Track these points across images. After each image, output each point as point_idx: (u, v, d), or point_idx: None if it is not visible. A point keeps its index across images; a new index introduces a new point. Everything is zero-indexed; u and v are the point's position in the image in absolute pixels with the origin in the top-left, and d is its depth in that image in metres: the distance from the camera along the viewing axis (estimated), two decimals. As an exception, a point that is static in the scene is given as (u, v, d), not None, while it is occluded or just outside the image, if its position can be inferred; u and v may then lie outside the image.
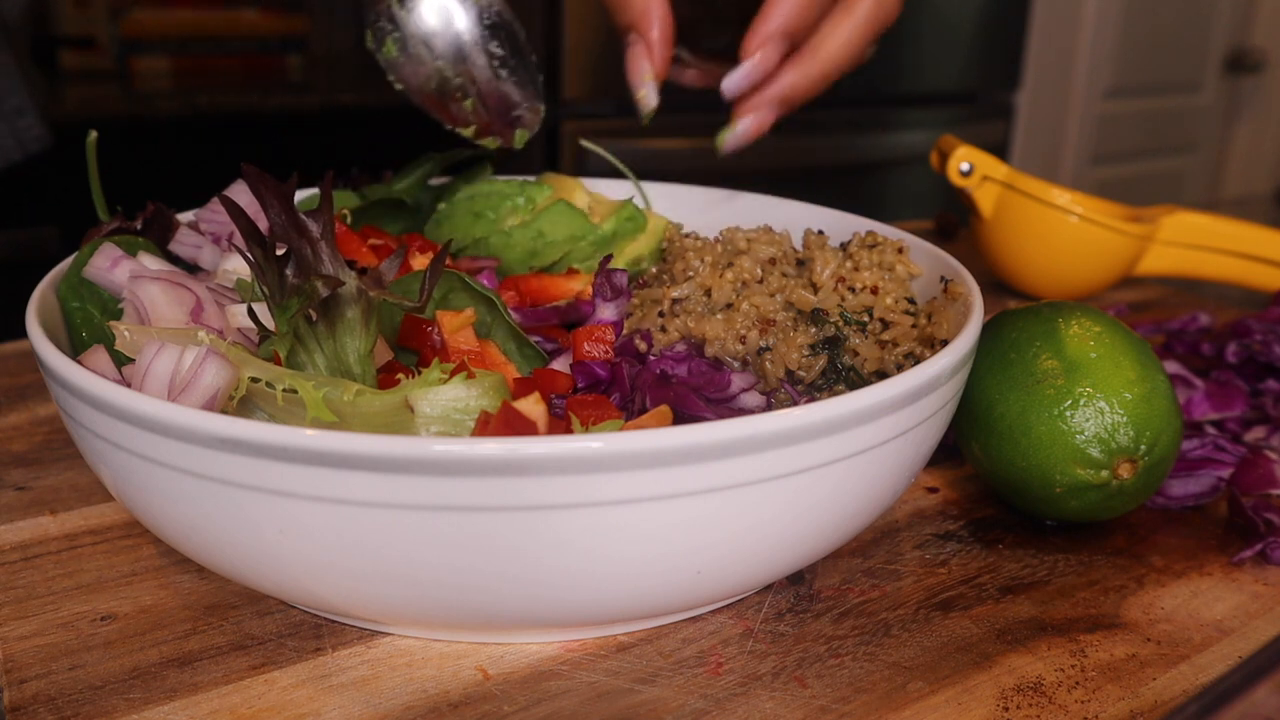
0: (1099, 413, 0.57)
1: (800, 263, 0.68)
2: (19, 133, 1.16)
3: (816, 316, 0.63)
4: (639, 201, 0.81)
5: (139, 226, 0.65)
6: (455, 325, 0.58)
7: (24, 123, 1.15)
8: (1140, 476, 0.58)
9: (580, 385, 0.59)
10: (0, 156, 1.15)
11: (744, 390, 0.59)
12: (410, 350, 0.59)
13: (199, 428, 0.41)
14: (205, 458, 0.42)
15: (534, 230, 0.75)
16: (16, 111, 1.14)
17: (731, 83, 0.68)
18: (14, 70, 1.13)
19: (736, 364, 0.62)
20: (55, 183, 1.34)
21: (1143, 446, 0.57)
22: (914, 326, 0.63)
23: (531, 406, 0.47)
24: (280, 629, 0.52)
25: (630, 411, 0.57)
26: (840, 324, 0.62)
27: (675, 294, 0.65)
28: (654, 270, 0.73)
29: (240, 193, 0.65)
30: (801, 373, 0.61)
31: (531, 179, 0.79)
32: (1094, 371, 0.58)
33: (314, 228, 0.51)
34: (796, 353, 0.61)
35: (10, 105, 1.13)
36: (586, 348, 0.60)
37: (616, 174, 0.84)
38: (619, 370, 0.58)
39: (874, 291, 0.64)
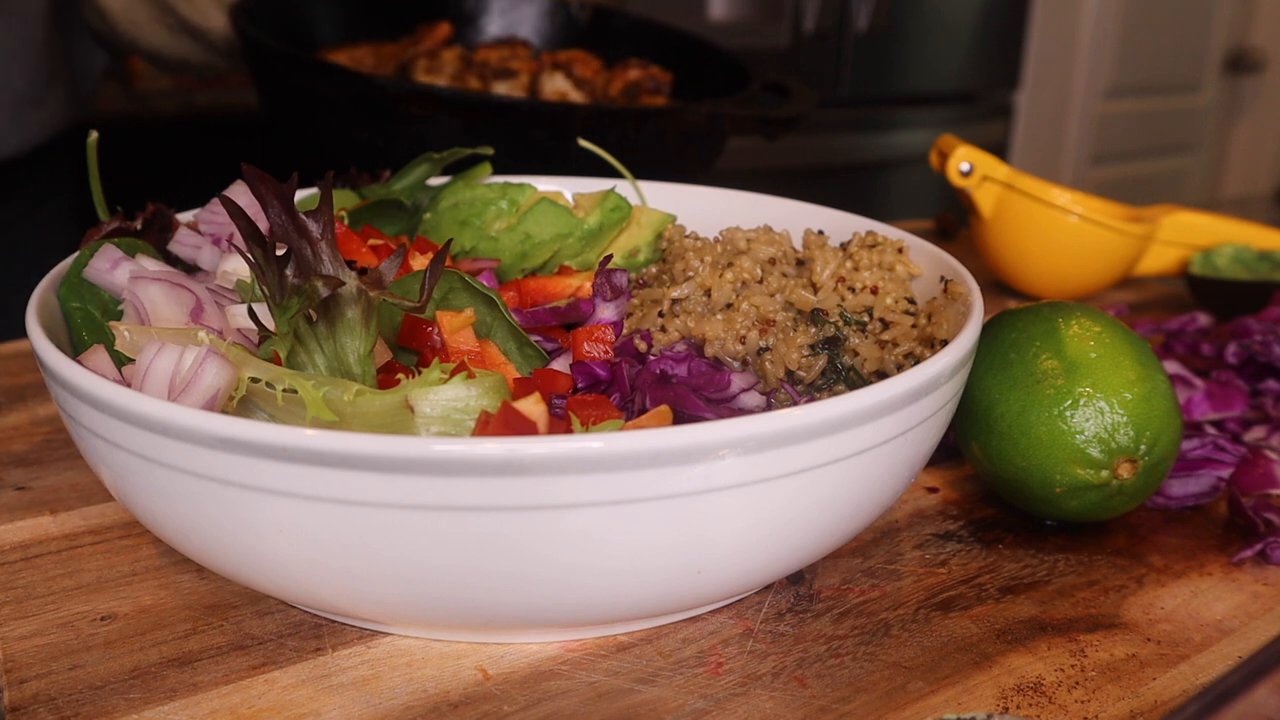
0: (1099, 413, 0.57)
1: (800, 263, 0.68)
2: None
3: (816, 316, 0.63)
4: (633, 199, 0.81)
5: (139, 227, 0.65)
6: (455, 325, 0.58)
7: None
8: (1140, 476, 0.58)
9: (580, 385, 0.59)
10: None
11: (744, 390, 0.59)
12: (410, 351, 0.59)
13: (199, 428, 0.42)
14: (205, 458, 0.42)
15: (520, 233, 0.75)
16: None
17: None
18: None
19: (736, 364, 0.62)
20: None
21: (1143, 446, 0.57)
22: (914, 326, 0.63)
23: (532, 407, 0.47)
24: (280, 629, 0.52)
25: (630, 411, 0.57)
26: (840, 324, 0.62)
27: (675, 294, 0.65)
28: (654, 270, 0.73)
29: (240, 193, 0.65)
30: (801, 373, 0.61)
31: (514, 180, 0.79)
32: (1094, 371, 0.58)
33: (314, 228, 0.51)
34: (796, 353, 0.61)
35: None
36: (586, 348, 0.60)
37: (615, 174, 0.84)
38: (619, 370, 0.58)
39: (874, 291, 0.64)
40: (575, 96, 1.14)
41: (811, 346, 0.62)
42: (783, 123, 1.04)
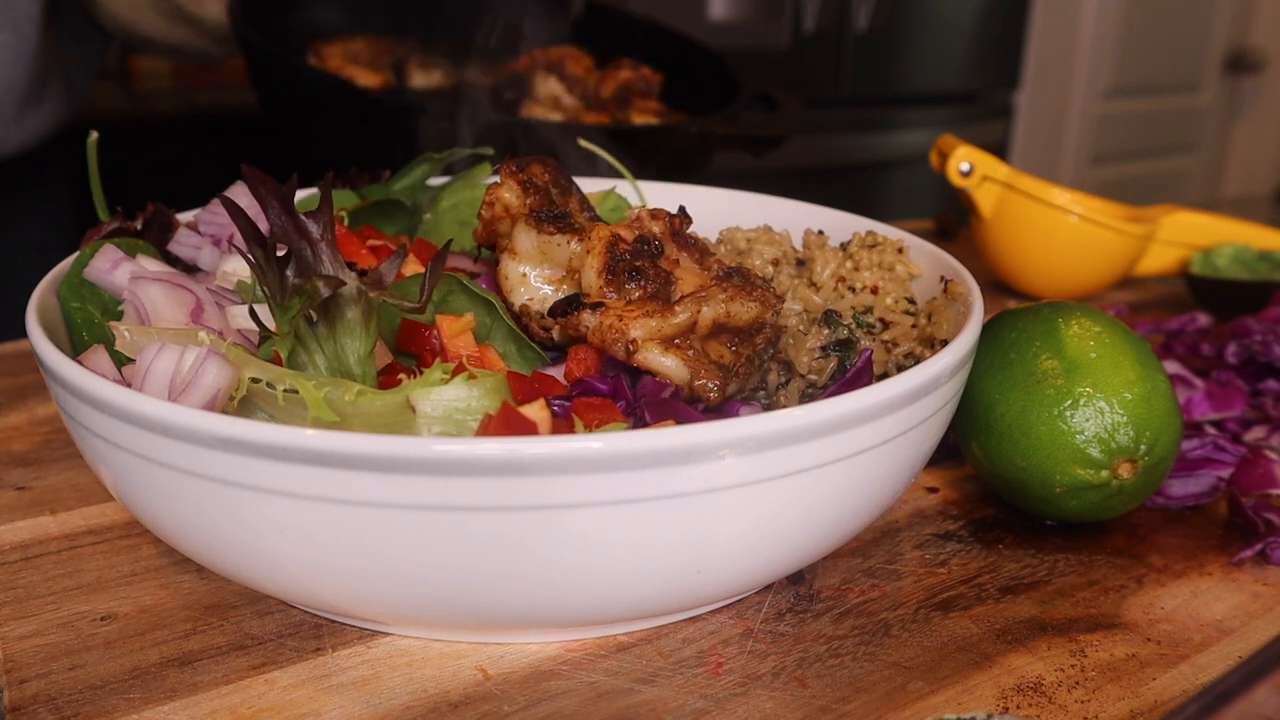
0: (1099, 413, 0.57)
1: (801, 263, 0.68)
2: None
3: (830, 319, 0.62)
4: (634, 199, 0.81)
5: (139, 227, 0.65)
6: (456, 330, 0.58)
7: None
8: (1140, 476, 0.58)
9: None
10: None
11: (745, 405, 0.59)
12: (410, 355, 0.59)
13: (199, 428, 0.42)
14: (205, 458, 0.42)
15: None
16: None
17: None
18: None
19: None
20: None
21: (1143, 446, 0.57)
22: (914, 326, 0.63)
23: (536, 412, 0.47)
24: (280, 629, 0.52)
25: (635, 420, 0.57)
26: (853, 326, 0.62)
27: (675, 294, 0.65)
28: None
29: (240, 193, 0.65)
30: (813, 375, 0.61)
31: None
32: (1094, 371, 0.58)
33: (314, 229, 0.51)
34: (807, 355, 0.61)
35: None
36: (574, 365, 0.58)
37: (615, 174, 0.84)
38: (619, 382, 0.57)
39: (874, 291, 0.64)
40: (567, 101, 1.14)
41: (823, 348, 0.62)
42: (769, 141, 1.04)
